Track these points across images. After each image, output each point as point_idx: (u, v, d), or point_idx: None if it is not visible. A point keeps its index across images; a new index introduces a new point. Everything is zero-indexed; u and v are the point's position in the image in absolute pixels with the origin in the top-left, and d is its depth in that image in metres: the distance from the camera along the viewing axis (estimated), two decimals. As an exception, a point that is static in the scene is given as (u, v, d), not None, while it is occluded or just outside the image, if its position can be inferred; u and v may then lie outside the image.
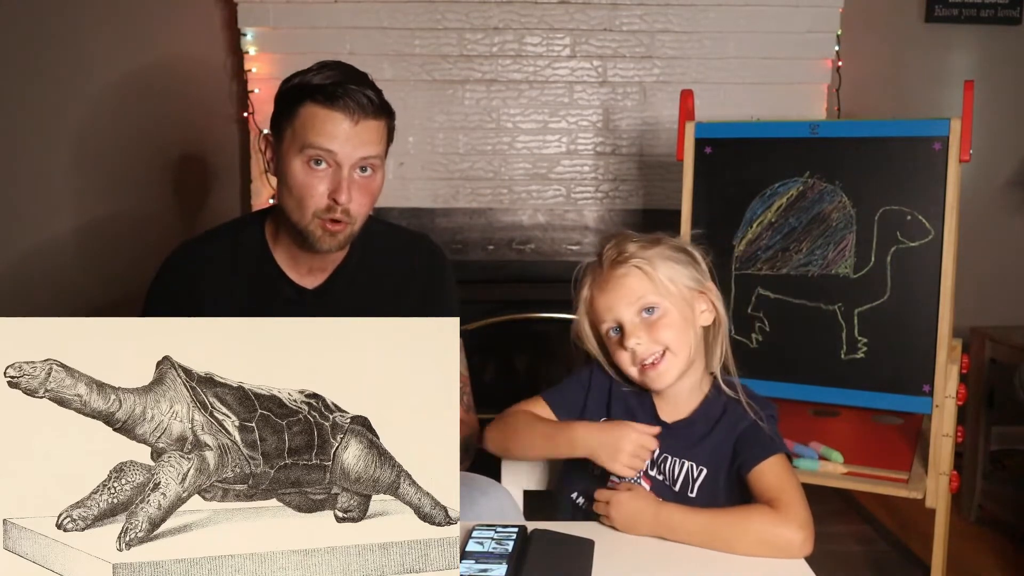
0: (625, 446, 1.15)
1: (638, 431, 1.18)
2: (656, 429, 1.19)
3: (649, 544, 1.12)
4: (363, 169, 1.40)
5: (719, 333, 1.27)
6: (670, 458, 1.24)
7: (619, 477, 1.24)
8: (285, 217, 1.44)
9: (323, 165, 1.38)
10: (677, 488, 1.22)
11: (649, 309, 1.21)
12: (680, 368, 1.22)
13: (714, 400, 1.26)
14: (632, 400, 1.27)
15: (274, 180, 1.47)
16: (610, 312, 1.23)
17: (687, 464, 1.23)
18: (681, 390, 1.26)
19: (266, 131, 1.49)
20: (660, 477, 1.24)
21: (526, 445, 1.18)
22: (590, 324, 1.28)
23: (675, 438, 1.24)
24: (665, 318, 1.21)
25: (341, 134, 1.36)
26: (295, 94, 1.39)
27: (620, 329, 1.23)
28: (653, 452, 1.19)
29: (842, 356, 2.15)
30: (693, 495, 1.22)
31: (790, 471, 1.18)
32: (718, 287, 1.28)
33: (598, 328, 1.27)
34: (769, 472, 1.17)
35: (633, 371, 1.24)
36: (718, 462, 1.22)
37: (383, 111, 1.41)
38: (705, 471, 1.22)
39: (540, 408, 1.31)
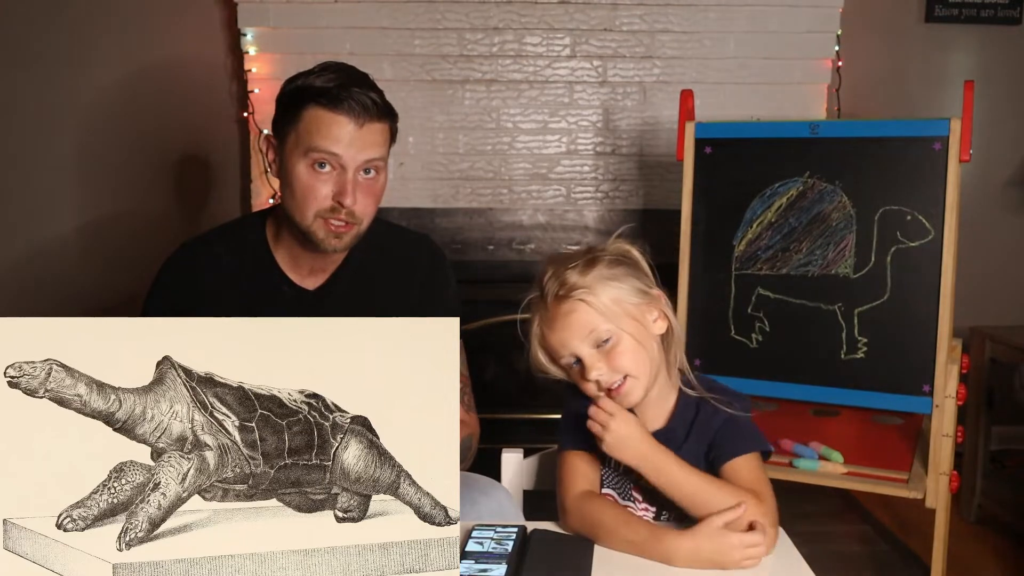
0: (734, 555, 1.06)
1: (736, 533, 1.07)
2: (740, 511, 1.10)
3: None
4: (367, 171, 1.40)
5: (672, 339, 1.24)
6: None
7: (613, 484, 1.24)
8: (287, 218, 1.44)
9: (327, 168, 1.38)
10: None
11: (604, 339, 1.19)
12: (644, 387, 1.21)
13: (686, 401, 1.26)
14: None
15: (275, 181, 1.47)
16: (565, 348, 1.21)
17: None
18: (651, 400, 1.25)
19: (267, 131, 1.48)
20: (652, 486, 1.24)
21: (613, 547, 1.14)
22: (547, 356, 1.24)
23: None
24: (620, 346, 1.19)
25: (345, 137, 1.36)
26: (297, 96, 1.38)
27: (580, 361, 1.21)
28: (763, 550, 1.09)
29: (842, 356, 2.15)
30: None
31: (763, 470, 1.19)
32: (661, 285, 1.25)
33: (556, 361, 1.24)
34: (744, 467, 1.17)
35: (601, 396, 1.22)
36: (698, 461, 1.22)
37: (386, 113, 1.41)
38: None
39: (579, 463, 1.25)
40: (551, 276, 1.22)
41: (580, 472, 1.24)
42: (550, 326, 1.21)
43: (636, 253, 1.25)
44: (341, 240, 1.42)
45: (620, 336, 1.19)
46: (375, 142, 1.39)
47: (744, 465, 1.18)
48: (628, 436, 1.16)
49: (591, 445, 1.25)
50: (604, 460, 1.26)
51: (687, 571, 1.07)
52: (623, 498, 1.25)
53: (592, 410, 1.18)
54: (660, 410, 1.26)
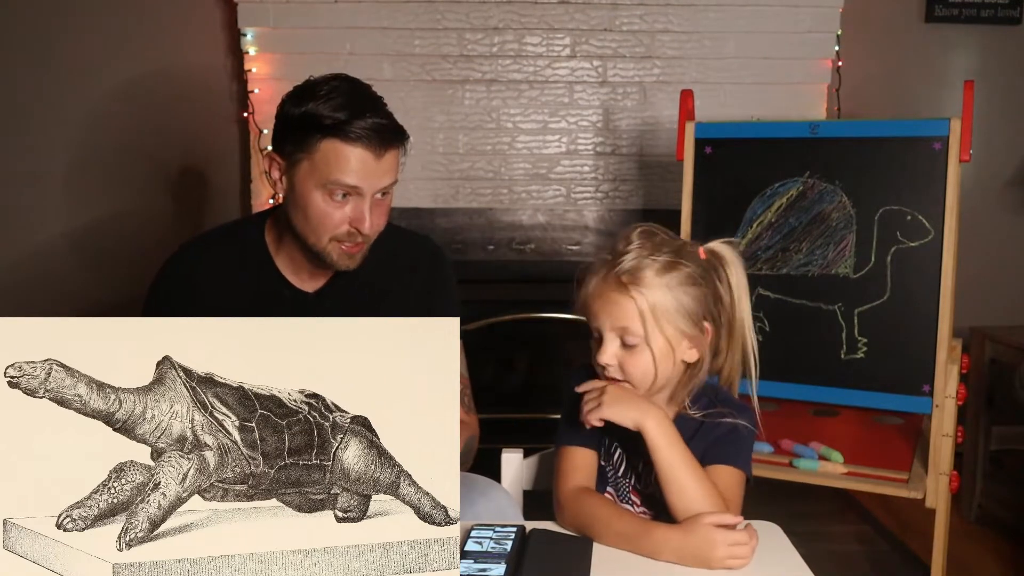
0: (717, 552, 1.06)
1: (721, 528, 1.08)
2: (737, 519, 1.10)
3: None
4: (381, 193, 1.41)
5: (697, 372, 1.23)
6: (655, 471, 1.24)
7: (613, 485, 1.24)
8: (296, 233, 1.44)
9: (344, 196, 1.38)
10: None
11: (630, 341, 1.18)
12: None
13: (686, 418, 1.25)
14: None
15: (272, 182, 1.47)
16: (597, 320, 1.20)
17: None
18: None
19: (269, 148, 1.47)
20: (648, 490, 1.24)
21: (605, 541, 1.14)
22: (584, 307, 1.24)
23: None
24: (640, 354, 1.18)
25: (365, 169, 1.37)
26: (309, 124, 1.36)
27: (601, 336, 1.20)
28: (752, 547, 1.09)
29: (842, 356, 2.15)
30: None
31: (740, 489, 1.19)
32: (731, 318, 1.24)
33: (587, 317, 1.23)
34: (723, 476, 1.17)
35: (600, 371, 1.22)
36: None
37: (400, 135, 1.41)
38: None
39: (576, 459, 1.25)
40: (633, 255, 1.19)
41: (577, 468, 1.24)
42: (600, 293, 1.20)
43: (731, 254, 1.23)
44: (354, 260, 1.44)
45: (645, 346, 1.18)
46: (392, 168, 1.40)
47: (724, 474, 1.18)
48: (622, 395, 1.17)
49: (590, 441, 1.25)
50: (605, 456, 1.26)
51: (685, 571, 1.07)
52: (621, 500, 1.25)
53: (585, 387, 1.19)
54: None
